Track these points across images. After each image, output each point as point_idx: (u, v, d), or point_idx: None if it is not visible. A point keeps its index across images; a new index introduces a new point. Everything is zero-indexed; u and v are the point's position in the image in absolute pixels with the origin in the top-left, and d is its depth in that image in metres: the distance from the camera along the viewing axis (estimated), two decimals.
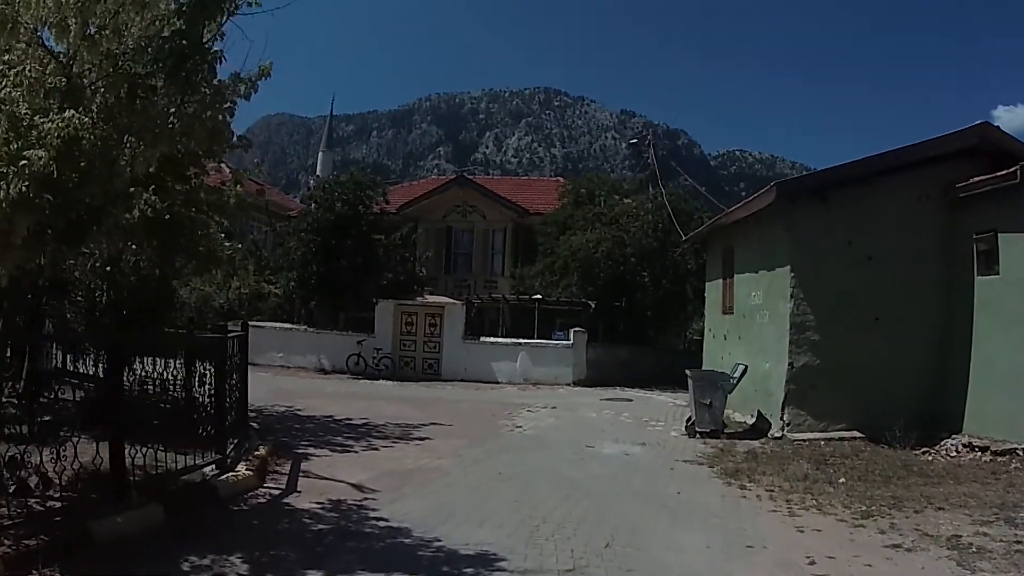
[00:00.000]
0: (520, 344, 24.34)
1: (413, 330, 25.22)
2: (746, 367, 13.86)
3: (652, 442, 12.86)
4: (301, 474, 9.40)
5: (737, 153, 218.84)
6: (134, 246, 11.28)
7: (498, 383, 23.35)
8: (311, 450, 11.02)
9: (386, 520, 7.34)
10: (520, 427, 14.32)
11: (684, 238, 22.61)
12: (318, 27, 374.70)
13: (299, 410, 15.14)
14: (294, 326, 26.29)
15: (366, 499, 8.20)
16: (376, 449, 11.36)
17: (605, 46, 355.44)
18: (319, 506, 7.83)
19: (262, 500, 8.08)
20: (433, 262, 30.90)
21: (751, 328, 15.24)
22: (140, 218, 7.76)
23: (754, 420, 14.25)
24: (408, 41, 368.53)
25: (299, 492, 8.45)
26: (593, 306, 25.58)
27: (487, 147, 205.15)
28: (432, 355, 24.96)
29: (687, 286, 25.96)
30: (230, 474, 8.58)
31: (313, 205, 26.34)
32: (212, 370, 9.06)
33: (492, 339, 25.13)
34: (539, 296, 25.80)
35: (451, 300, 26.15)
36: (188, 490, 7.72)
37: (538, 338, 24.85)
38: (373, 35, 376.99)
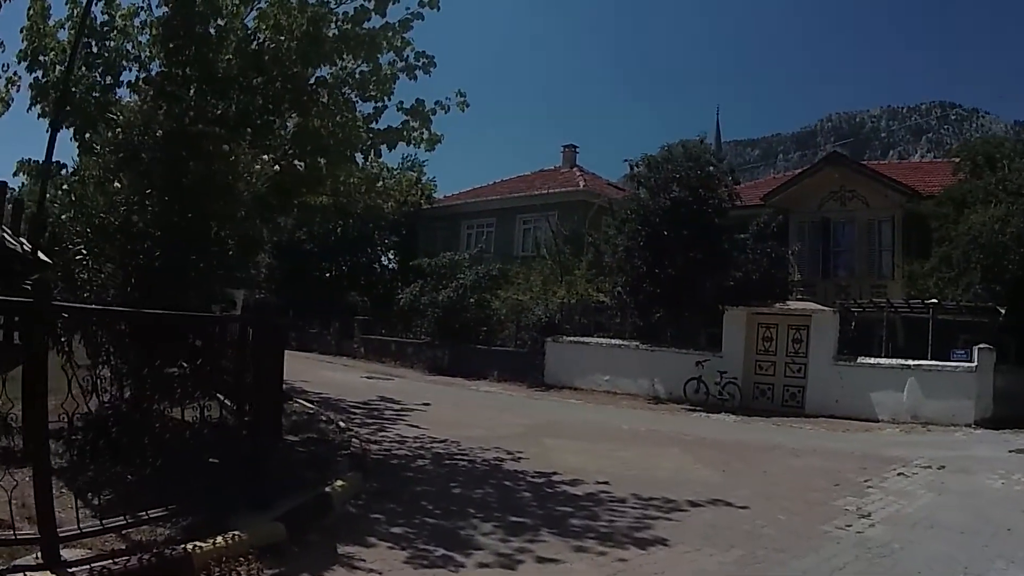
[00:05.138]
0: (908, 367, 16.25)
1: (771, 347, 18.30)
2: None
3: None
4: None
5: None
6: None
7: (877, 421, 15.90)
8: (371, 561, 5.26)
9: None
10: (866, 517, 7.08)
11: None
12: (709, 53, 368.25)
13: (517, 459, 9.50)
14: (623, 342, 20.72)
15: None
16: (511, 567, 5.21)
17: (998, 50, 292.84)
18: None
19: None
20: (808, 263, 23.24)
21: None
22: None
23: None
24: (807, 60, 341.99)
25: None
26: (1003, 313, 16.95)
27: None
28: (795, 381, 17.75)
29: None
30: None
31: (640, 189, 20.60)
32: None
33: (872, 360, 17.07)
34: (934, 301, 17.31)
35: (819, 307, 18.50)
36: None
37: (933, 358, 16.60)
38: (773, 55, 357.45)
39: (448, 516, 6.45)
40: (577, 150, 33.91)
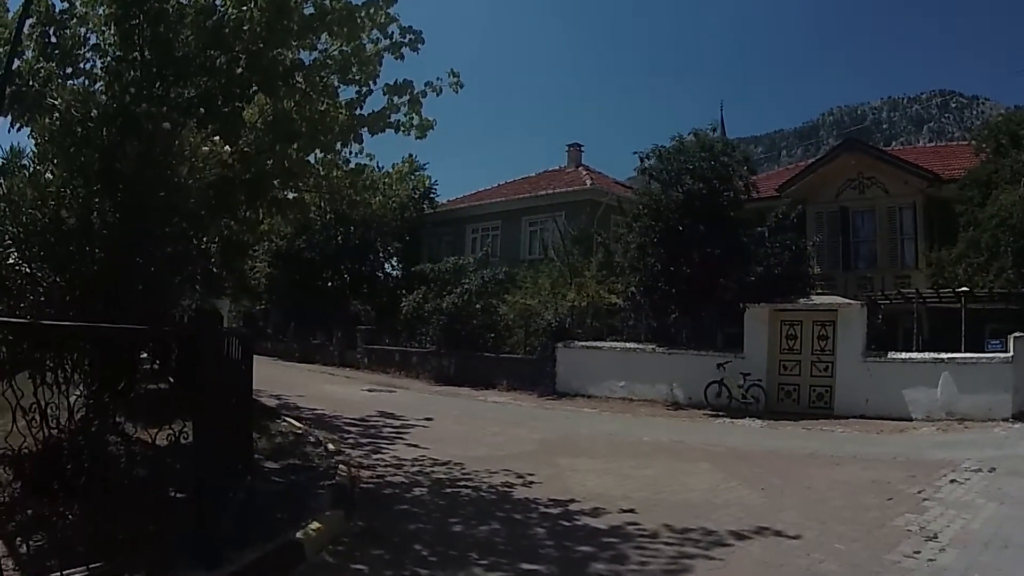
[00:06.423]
0: (942, 361, 15.13)
1: (795, 344, 17.13)
2: None
3: None
4: None
5: None
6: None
7: (910, 420, 14.74)
8: None
9: None
10: (933, 539, 6.10)
11: None
12: (710, 52, 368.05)
13: (529, 484, 8.41)
14: (638, 345, 19.61)
15: None
16: None
17: (995, 35, 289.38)
18: None
19: None
20: (827, 255, 22.13)
21: None
22: None
23: None
24: (807, 55, 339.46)
25: None
26: None
27: None
28: (822, 380, 16.60)
29: None
30: None
31: (651, 182, 19.49)
32: None
33: (903, 355, 16.04)
34: (965, 289, 16.35)
35: (845, 300, 17.37)
36: None
37: (966, 350, 15.61)
38: (773, 52, 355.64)
39: (445, 564, 5.37)
40: (582, 149, 32.79)
